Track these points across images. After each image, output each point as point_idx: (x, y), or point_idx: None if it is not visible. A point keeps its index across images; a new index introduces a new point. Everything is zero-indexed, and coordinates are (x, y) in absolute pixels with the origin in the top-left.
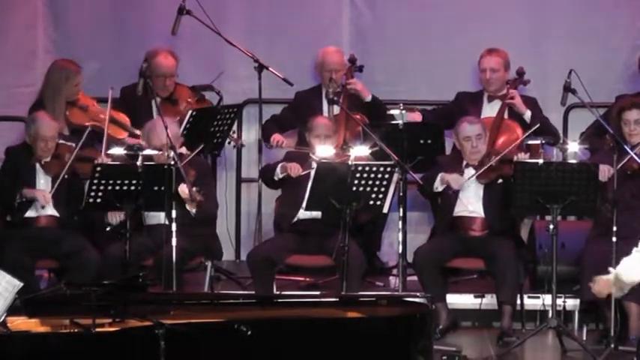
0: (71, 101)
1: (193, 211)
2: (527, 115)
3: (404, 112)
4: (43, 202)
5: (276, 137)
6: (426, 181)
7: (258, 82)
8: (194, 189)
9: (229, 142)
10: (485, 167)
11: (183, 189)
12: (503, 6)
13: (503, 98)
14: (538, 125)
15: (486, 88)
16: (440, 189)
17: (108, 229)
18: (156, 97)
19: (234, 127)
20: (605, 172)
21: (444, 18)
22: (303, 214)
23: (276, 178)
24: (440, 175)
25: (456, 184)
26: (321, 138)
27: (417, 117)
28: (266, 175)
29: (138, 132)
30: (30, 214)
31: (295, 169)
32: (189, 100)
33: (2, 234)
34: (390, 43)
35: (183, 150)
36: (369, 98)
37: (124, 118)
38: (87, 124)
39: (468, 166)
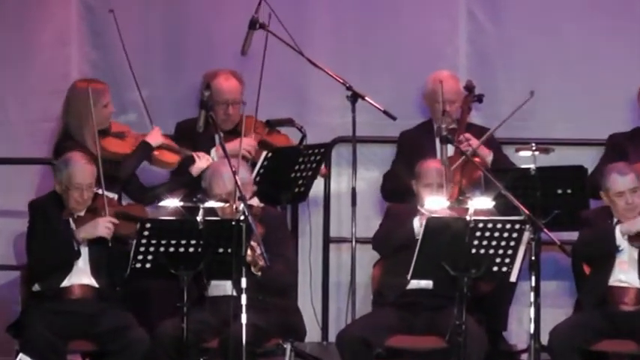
0: (104, 129)
1: (258, 274)
2: None
3: (537, 153)
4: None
5: None
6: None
7: (351, 116)
8: (258, 251)
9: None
10: None
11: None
12: None
13: None
14: None
15: None
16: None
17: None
18: (219, 132)
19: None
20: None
21: (587, 35)
22: (411, 283)
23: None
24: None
25: None
26: (432, 187)
27: None
28: (389, 240)
29: (191, 153)
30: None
31: None
32: (259, 131)
33: (27, 307)
34: (518, 66)
35: (255, 202)
36: (490, 158)
37: (169, 140)
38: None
39: (619, 223)
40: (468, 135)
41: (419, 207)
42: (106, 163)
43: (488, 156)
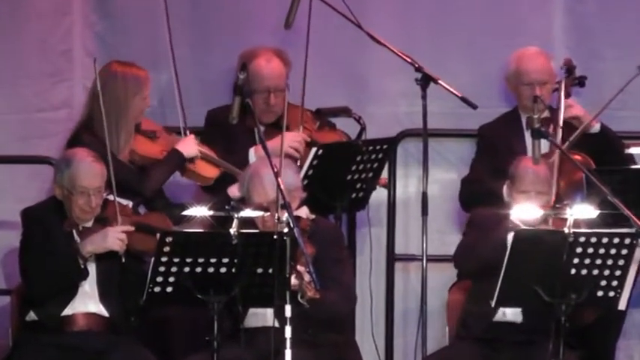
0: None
1: (306, 305)
2: None
3: None
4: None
5: None
6: None
7: (421, 104)
8: (307, 278)
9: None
10: None
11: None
12: None
13: None
14: None
15: None
16: None
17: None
18: (258, 125)
19: None
20: None
21: None
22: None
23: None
24: None
25: None
26: (529, 195)
27: None
28: (476, 253)
29: (237, 170)
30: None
31: None
32: (308, 125)
33: (20, 340)
34: (627, 41)
35: (304, 212)
36: (596, 128)
37: (209, 151)
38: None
39: None
40: (571, 101)
41: (511, 217)
42: (127, 169)
43: (596, 124)
